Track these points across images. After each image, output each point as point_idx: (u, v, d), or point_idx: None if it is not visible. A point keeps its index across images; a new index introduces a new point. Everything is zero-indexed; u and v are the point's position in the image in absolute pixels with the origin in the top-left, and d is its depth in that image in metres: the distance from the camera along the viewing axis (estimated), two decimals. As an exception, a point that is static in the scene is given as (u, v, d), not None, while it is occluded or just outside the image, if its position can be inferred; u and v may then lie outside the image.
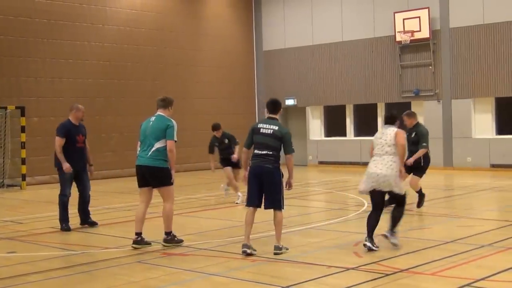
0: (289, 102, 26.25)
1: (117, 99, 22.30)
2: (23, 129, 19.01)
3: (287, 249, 8.51)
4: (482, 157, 21.71)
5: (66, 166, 10.70)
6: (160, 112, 9.31)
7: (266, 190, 8.39)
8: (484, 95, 21.95)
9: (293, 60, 26.30)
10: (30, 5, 20.16)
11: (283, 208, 8.43)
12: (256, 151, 8.45)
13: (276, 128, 8.41)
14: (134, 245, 9.07)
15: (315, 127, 26.12)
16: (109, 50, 22.12)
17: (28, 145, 19.18)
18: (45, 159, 19.76)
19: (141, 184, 9.18)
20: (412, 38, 22.71)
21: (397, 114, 9.59)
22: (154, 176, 9.00)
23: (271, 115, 8.62)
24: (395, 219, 8.84)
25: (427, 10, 22.38)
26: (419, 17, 22.54)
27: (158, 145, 8.99)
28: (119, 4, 22.46)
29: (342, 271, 7.35)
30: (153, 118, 9.29)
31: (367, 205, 13.09)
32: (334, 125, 25.84)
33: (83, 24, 21.42)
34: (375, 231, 8.63)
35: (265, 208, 8.49)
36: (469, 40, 21.97)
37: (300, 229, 10.44)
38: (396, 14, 23.01)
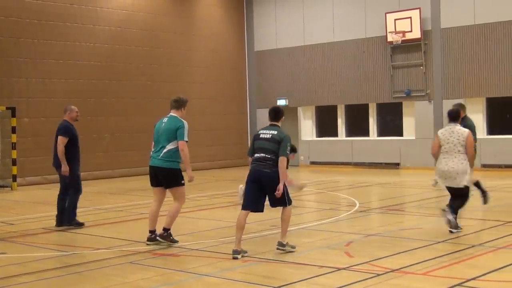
0: (281, 102, 26.26)
1: (108, 99, 22.26)
2: (13, 130, 18.92)
3: (293, 247, 8.49)
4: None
5: (66, 168, 10.87)
6: (172, 113, 9.40)
7: (269, 194, 8.39)
8: (475, 96, 22.04)
9: (285, 60, 26.33)
10: (21, 5, 20.09)
11: (289, 204, 8.42)
12: (255, 155, 8.48)
13: (275, 132, 8.46)
14: (148, 242, 9.26)
15: (307, 127, 26.16)
16: (100, 50, 22.07)
17: (19, 146, 19.10)
18: (36, 160, 19.73)
19: (154, 183, 9.39)
20: (403, 38, 22.78)
21: (459, 109, 10.11)
22: (165, 177, 9.19)
23: (272, 122, 8.69)
24: (458, 207, 9.66)
25: (418, 10, 22.46)
26: (410, 17, 22.62)
27: (169, 146, 9.14)
28: (110, 5, 22.42)
29: (333, 271, 7.36)
30: (165, 119, 9.38)
31: (358, 205, 13.13)
32: (326, 126, 25.89)
33: (74, 25, 21.37)
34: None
35: (271, 206, 8.50)
36: (460, 40, 22.05)
37: (291, 229, 10.40)
38: (387, 15, 23.07)
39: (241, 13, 27.30)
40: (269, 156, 8.33)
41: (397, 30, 22.78)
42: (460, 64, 22.09)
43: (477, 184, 12.05)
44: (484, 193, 12.20)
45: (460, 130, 9.54)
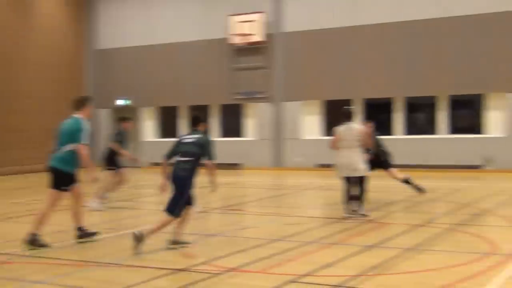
0: (122, 102, 25.81)
1: None
2: None
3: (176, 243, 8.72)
4: (310, 157, 22.69)
5: None
6: (74, 114, 9.17)
7: (175, 194, 8.65)
8: (313, 98, 22.98)
9: (128, 59, 25.92)
10: None
11: (173, 215, 8.61)
12: (177, 159, 8.78)
13: (198, 136, 8.88)
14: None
15: (149, 128, 25.89)
16: None
17: None
18: None
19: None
20: (246, 41, 23.23)
21: (351, 109, 11.59)
22: (54, 177, 9.02)
23: (194, 128, 9.09)
24: (360, 197, 11.13)
25: (261, 14, 23.02)
26: (253, 20, 23.14)
27: (66, 148, 8.92)
28: None
29: (172, 273, 7.31)
30: (67, 120, 9.17)
31: (199, 206, 13.15)
32: (168, 126, 25.78)
33: None
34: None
35: (164, 210, 8.72)
36: (302, 44, 22.88)
37: (131, 232, 10.23)
38: (231, 17, 23.42)
39: (82, 11, 26.50)
40: (188, 159, 8.69)
41: (241, 32, 23.20)
42: (300, 67, 22.92)
43: (407, 181, 13.32)
44: (417, 187, 13.32)
45: (356, 127, 11.09)
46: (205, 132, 9.16)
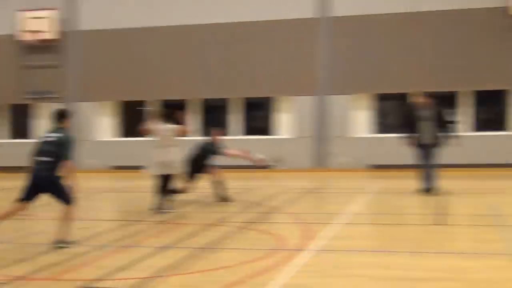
0: None
1: None
2: None
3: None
4: (106, 159, 22.31)
5: None
6: None
7: (53, 197, 8.50)
8: (109, 99, 22.67)
9: None
10: None
11: (69, 203, 8.46)
12: (37, 158, 8.38)
13: (59, 135, 8.43)
14: None
15: None
16: None
17: None
18: None
19: None
20: (37, 38, 22.29)
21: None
22: None
23: (57, 125, 8.48)
24: (173, 191, 11.92)
25: (55, 11, 22.34)
26: (45, 17, 22.37)
27: None
28: None
29: (-50, 286, 6.74)
30: None
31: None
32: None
33: None
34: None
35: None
36: (97, 44, 22.45)
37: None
38: (21, 13, 22.36)
39: None
40: (49, 159, 8.25)
41: (32, 29, 22.24)
42: (96, 67, 22.52)
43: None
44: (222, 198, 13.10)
45: (171, 127, 11.45)
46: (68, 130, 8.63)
